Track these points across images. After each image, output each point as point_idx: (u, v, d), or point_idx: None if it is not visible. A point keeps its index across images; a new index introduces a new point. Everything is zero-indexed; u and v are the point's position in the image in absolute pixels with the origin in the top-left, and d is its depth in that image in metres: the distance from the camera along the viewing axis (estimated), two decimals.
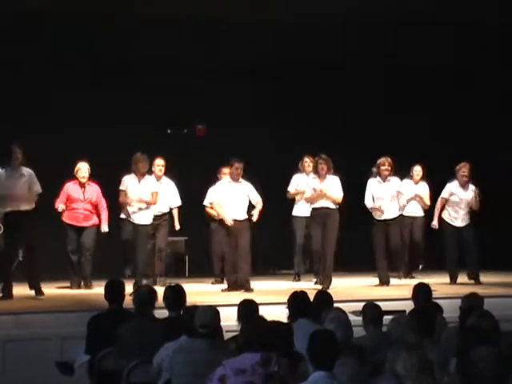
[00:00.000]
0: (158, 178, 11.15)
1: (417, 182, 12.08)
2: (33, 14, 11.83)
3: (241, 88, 13.28)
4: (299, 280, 11.87)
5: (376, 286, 10.98)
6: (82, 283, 10.85)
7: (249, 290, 10.24)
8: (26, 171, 9.93)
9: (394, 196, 11.16)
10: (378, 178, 11.09)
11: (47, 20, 12.06)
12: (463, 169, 11.33)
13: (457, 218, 11.37)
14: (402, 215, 11.39)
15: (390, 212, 11.12)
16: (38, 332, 8.18)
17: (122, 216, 10.82)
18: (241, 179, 10.58)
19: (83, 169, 10.85)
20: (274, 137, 13.41)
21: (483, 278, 11.20)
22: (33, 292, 9.80)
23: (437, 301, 7.16)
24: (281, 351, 5.08)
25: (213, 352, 5.56)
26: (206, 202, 11.39)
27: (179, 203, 11.44)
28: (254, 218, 10.49)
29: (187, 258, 12.93)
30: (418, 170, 12.08)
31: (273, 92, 13.51)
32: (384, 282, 10.99)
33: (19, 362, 7.97)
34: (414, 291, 7.21)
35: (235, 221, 10.39)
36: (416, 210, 12.05)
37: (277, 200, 11.55)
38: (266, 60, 13.33)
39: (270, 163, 12.86)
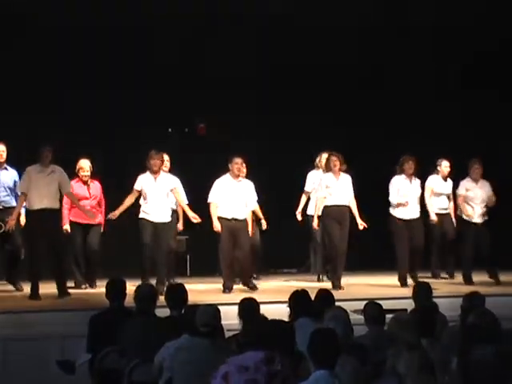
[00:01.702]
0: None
1: (445, 178, 11.71)
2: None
3: (242, 86, 13.30)
4: (322, 280, 11.62)
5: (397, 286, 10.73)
6: (87, 284, 10.76)
7: (253, 288, 10.15)
8: (57, 169, 9.88)
9: (418, 197, 10.97)
10: (403, 175, 10.89)
11: (49, 19, 12.13)
12: (476, 165, 11.22)
13: (474, 214, 11.18)
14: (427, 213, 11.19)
15: (413, 211, 10.90)
16: (39, 331, 8.16)
17: (143, 216, 10.30)
18: (241, 178, 10.49)
19: (85, 167, 10.76)
20: (276, 136, 13.41)
21: (485, 277, 11.18)
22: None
23: (438, 300, 7.17)
24: (282, 350, 5.08)
25: (214, 351, 5.57)
26: (209, 200, 10.86)
27: (186, 201, 11.04)
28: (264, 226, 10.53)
29: (188, 256, 12.91)
30: (447, 166, 11.65)
31: (274, 91, 13.52)
32: (404, 283, 10.69)
33: (20, 362, 7.96)
34: (414, 290, 7.22)
35: (235, 220, 10.32)
36: (446, 207, 11.74)
37: (278, 198, 11.57)
38: (266, 59, 13.37)
39: (270, 162, 12.87)
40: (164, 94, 13.06)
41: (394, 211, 10.88)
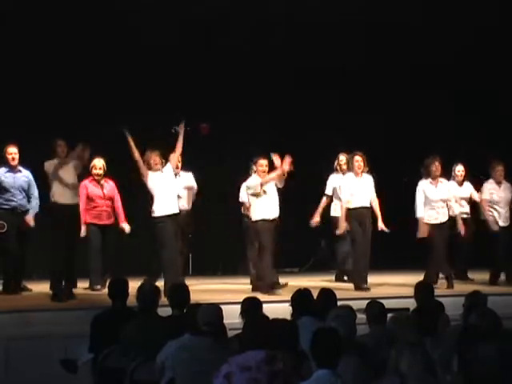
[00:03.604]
0: (176, 173, 10.78)
1: (461, 183, 11.50)
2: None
3: (243, 86, 13.32)
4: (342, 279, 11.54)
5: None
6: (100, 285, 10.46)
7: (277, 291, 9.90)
8: (76, 163, 9.89)
9: (446, 199, 10.75)
10: (429, 179, 10.68)
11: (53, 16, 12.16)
12: (499, 166, 11.10)
13: (499, 217, 11.09)
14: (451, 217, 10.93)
15: (442, 215, 10.71)
16: (42, 330, 8.18)
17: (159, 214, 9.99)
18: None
19: (98, 165, 10.65)
20: (278, 136, 13.42)
21: (487, 275, 11.19)
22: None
23: (440, 299, 7.16)
24: (286, 349, 5.09)
25: (216, 350, 5.58)
26: (243, 199, 10.91)
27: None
28: None
29: (190, 255, 12.90)
30: (460, 170, 11.47)
31: (275, 91, 13.53)
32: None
33: (23, 360, 7.97)
34: (415, 290, 7.22)
35: (269, 220, 10.16)
36: (464, 211, 11.52)
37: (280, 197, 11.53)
38: (266, 59, 13.39)
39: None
40: (167, 93, 13.08)
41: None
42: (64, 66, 12.46)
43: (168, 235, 9.80)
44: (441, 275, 10.77)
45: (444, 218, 10.75)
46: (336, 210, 11.33)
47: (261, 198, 10.19)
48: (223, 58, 13.24)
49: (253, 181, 10.31)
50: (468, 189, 11.61)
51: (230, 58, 13.23)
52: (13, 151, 10.03)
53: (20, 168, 10.10)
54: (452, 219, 10.94)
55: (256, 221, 10.17)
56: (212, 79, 13.18)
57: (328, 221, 11.52)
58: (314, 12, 13.09)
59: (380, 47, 13.73)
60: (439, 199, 10.70)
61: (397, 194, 12.08)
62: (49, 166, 9.82)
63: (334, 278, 11.86)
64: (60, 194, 9.67)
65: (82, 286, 10.36)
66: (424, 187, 10.68)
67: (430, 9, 13.24)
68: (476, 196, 11.45)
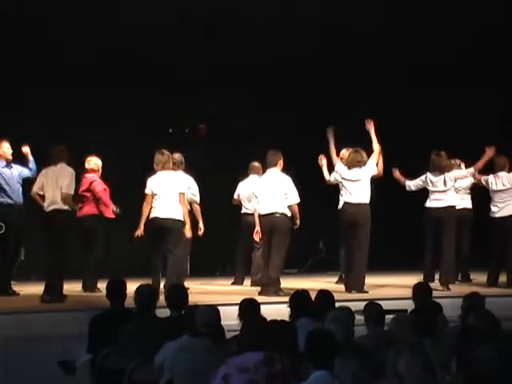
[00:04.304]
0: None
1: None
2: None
3: (243, 86, 13.32)
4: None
5: None
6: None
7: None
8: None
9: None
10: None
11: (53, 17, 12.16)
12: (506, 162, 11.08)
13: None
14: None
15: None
16: (40, 331, 8.17)
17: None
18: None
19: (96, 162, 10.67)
20: (277, 137, 13.42)
21: (484, 277, 11.18)
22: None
23: (438, 300, 7.15)
24: (285, 351, 5.08)
25: (214, 351, 5.58)
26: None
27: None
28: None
29: (189, 257, 12.87)
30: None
31: (274, 91, 13.53)
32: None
33: (22, 362, 7.97)
34: (413, 291, 7.21)
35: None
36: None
37: None
38: (265, 60, 13.40)
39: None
40: (166, 93, 13.09)
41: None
42: (64, 67, 12.48)
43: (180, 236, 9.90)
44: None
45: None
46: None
47: None
48: (223, 58, 13.23)
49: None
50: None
51: (230, 57, 13.22)
52: (8, 146, 10.02)
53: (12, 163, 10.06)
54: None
55: (290, 217, 10.10)
56: (212, 79, 13.18)
57: None
58: (314, 12, 13.10)
59: (380, 47, 13.74)
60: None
61: (396, 195, 12.06)
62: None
63: (330, 278, 11.76)
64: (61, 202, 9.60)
65: (78, 286, 10.42)
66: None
67: (430, 9, 13.25)
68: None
